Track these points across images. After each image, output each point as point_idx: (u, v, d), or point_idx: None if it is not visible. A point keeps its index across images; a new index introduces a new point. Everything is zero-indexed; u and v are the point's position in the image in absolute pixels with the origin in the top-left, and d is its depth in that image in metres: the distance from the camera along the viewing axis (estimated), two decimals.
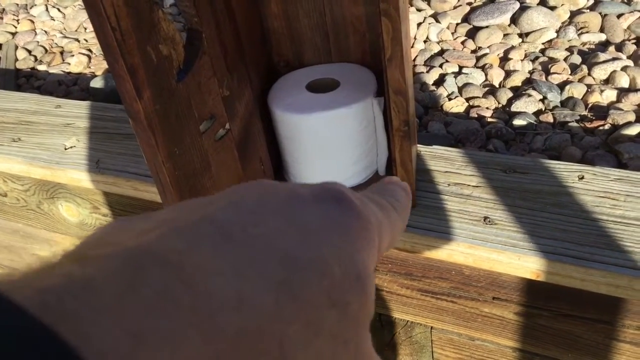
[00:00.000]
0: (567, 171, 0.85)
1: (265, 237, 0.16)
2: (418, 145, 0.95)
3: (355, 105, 0.76)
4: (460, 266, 0.81)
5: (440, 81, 1.53)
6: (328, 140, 0.79)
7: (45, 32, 2.19)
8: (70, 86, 1.87)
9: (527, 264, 0.73)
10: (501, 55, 1.60)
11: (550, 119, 1.32)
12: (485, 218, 0.79)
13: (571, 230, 0.75)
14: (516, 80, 1.48)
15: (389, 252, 0.85)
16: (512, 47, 1.61)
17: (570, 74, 1.46)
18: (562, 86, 1.42)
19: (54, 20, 2.25)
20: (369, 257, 0.18)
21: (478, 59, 1.59)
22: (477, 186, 0.85)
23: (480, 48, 1.65)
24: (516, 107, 1.37)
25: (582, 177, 0.83)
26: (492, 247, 0.75)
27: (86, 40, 2.10)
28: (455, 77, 1.52)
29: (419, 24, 1.76)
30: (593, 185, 0.82)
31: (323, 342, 0.15)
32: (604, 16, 1.65)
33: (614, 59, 1.47)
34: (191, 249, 0.14)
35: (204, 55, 0.62)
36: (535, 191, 0.82)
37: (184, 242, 0.15)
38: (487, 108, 1.40)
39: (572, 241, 0.74)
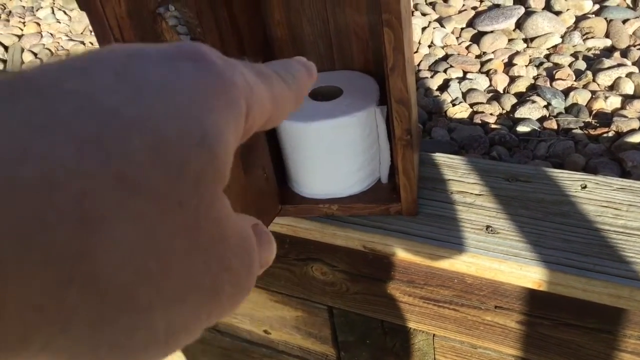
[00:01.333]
0: (570, 180, 0.85)
1: (84, 93, 0.15)
2: (421, 152, 0.95)
3: (358, 113, 0.77)
4: (463, 275, 0.81)
5: (444, 86, 1.53)
6: (331, 148, 0.79)
7: (51, 34, 2.20)
8: None
9: (529, 274, 0.73)
10: (506, 60, 1.60)
11: (554, 125, 1.32)
12: (488, 227, 0.79)
13: (573, 240, 0.75)
14: (520, 86, 1.47)
15: (392, 258, 0.85)
16: (517, 53, 1.61)
17: (575, 80, 1.46)
18: (566, 92, 1.42)
19: (60, 22, 2.26)
20: (227, 121, 0.17)
21: (482, 64, 1.59)
22: (479, 194, 0.85)
23: (484, 53, 1.65)
24: (520, 113, 1.37)
25: (585, 186, 0.83)
26: (495, 256, 0.75)
27: (92, 43, 2.10)
28: (460, 82, 1.52)
29: (423, 29, 1.76)
30: (596, 195, 0.82)
31: (143, 201, 0.14)
32: (609, 21, 1.65)
33: (619, 65, 1.46)
34: None
35: None
36: (538, 200, 0.82)
37: None
38: (491, 114, 1.40)
39: (574, 251, 0.73)
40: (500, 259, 0.74)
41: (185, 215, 0.15)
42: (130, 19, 0.51)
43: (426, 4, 1.89)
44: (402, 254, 0.81)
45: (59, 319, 0.13)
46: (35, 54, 2.09)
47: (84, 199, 0.13)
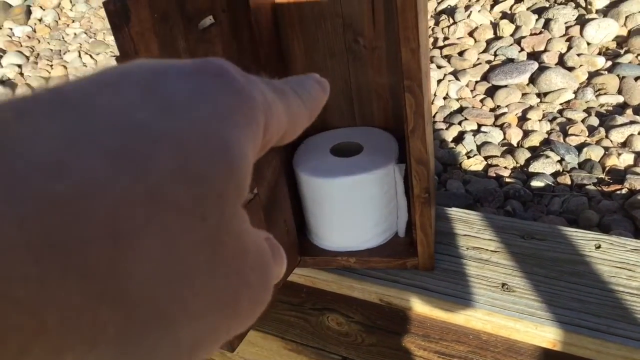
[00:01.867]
0: (584, 239, 0.86)
1: (113, 107, 0.15)
2: (437, 206, 0.97)
3: (377, 171, 0.79)
4: (478, 331, 0.82)
5: (459, 138, 1.56)
6: (350, 203, 0.81)
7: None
8: None
9: (544, 334, 0.74)
10: (519, 114, 1.63)
11: (567, 180, 1.34)
12: (504, 285, 0.80)
13: (588, 301, 0.76)
14: (534, 140, 1.50)
15: (408, 312, 0.86)
16: (531, 107, 1.64)
17: (588, 136, 1.49)
18: (579, 148, 1.44)
19: (86, 66, 2.34)
20: (247, 135, 0.17)
21: (497, 117, 1.63)
22: (495, 251, 0.86)
23: (498, 107, 1.68)
24: (534, 167, 1.39)
25: (599, 246, 0.85)
26: (510, 315, 0.76)
27: None
28: (474, 135, 1.55)
29: (439, 81, 1.81)
30: (610, 255, 0.83)
31: (170, 216, 0.15)
32: (621, 78, 1.68)
33: (632, 122, 1.49)
34: (19, 115, 0.14)
35: None
36: (553, 259, 0.84)
37: (14, 110, 0.14)
38: (505, 167, 1.42)
39: (588, 312, 0.75)
40: (515, 317, 0.76)
41: (208, 230, 0.16)
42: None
43: (442, 57, 1.94)
44: (418, 308, 0.82)
45: (90, 337, 0.14)
46: None
47: (117, 213, 0.14)
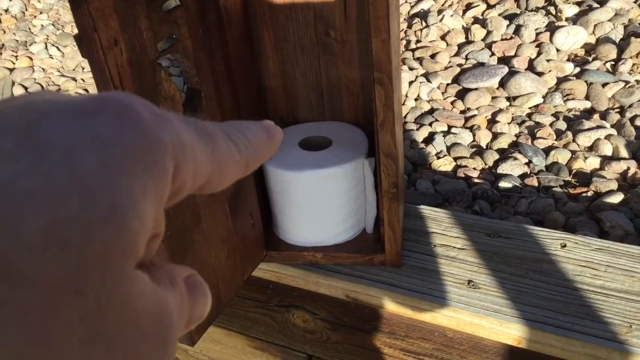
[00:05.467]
0: (550, 238, 0.87)
1: None
2: (406, 203, 0.97)
3: (346, 164, 0.78)
4: (444, 328, 0.82)
5: (429, 139, 1.57)
6: (318, 197, 0.80)
7: (43, 69, 2.22)
8: None
9: (509, 331, 0.74)
10: (489, 117, 1.64)
11: (535, 182, 1.35)
12: (470, 282, 0.80)
13: (553, 299, 0.76)
14: (503, 142, 1.51)
15: (374, 309, 0.85)
16: (500, 110, 1.66)
17: (556, 139, 1.51)
18: (547, 151, 1.46)
19: (52, 58, 2.28)
20: (144, 185, 0.15)
21: (467, 119, 1.64)
22: (462, 248, 0.86)
23: (469, 109, 1.69)
24: (502, 169, 1.40)
25: (565, 245, 0.85)
26: (476, 311, 0.76)
27: (83, 80, 2.12)
28: (444, 136, 1.56)
29: (410, 82, 1.81)
30: (575, 254, 0.83)
31: (32, 294, 0.13)
32: (589, 84, 1.71)
33: (598, 127, 1.51)
34: None
35: (201, 113, 0.63)
36: (519, 257, 0.84)
37: None
38: (474, 168, 1.43)
39: (553, 309, 0.75)
40: (481, 314, 0.75)
41: (84, 304, 0.13)
42: (130, 68, 0.52)
43: (414, 59, 1.95)
44: (385, 305, 0.81)
45: None
46: (26, 88, 2.10)
47: None
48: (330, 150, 0.82)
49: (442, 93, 1.78)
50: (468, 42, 2.01)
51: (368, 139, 0.84)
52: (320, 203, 0.81)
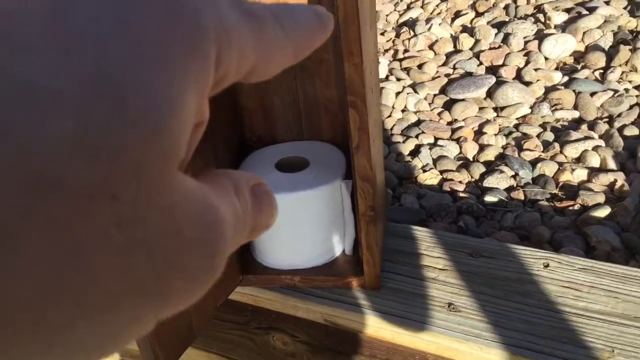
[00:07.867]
0: (533, 258, 0.85)
1: None
2: (389, 221, 0.95)
3: (323, 187, 0.77)
4: (424, 352, 0.80)
5: (415, 152, 1.55)
6: (295, 220, 0.78)
7: None
8: None
9: (489, 356, 0.72)
10: (476, 128, 1.63)
11: (521, 196, 1.34)
12: (450, 304, 0.79)
13: (534, 322, 0.75)
14: (489, 155, 1.50)
15: (353, 332, 0.84)
16: (487, 121, 1.64)
17: (543, 151, 1.49)
18: (534, 163, 1.44)
19: None
20: (186, 76, 0.14)
21: (453, 131, 1.62)
22: (443, 269, 0.85)
23: (456, 120, 1.68)
24: (488, 182, 1.39)
25: (548, 265, 0.84)
26: (455, 336, 0.74)
27: None
28: (431, 148, 1.55)
29: (397, 93, 1.80)
30: (558, 274, 0.82)
31: (62, 201, 0.12)
32: (577, 94, 1.70)
33: (586, 137, 1.50)
34: None
35: None
36: (501, 278, 0.82)
37: None
38: (460, 182, 1.42)
39: (534, 333, 0.73)
40: (460, 339, 0.74)
41: (120, 209, 0.12)
42: None
43: (401, 69, 1.94)
44: (363, 329, 0.80)
45: None
46: None
47: None
48: (307, 172, 0.80)
49: (429, 104, 1.77)
50: (456, 51, 2.00)
51: (347, 158, 0.83)
52: (297, 226, 0.79)
